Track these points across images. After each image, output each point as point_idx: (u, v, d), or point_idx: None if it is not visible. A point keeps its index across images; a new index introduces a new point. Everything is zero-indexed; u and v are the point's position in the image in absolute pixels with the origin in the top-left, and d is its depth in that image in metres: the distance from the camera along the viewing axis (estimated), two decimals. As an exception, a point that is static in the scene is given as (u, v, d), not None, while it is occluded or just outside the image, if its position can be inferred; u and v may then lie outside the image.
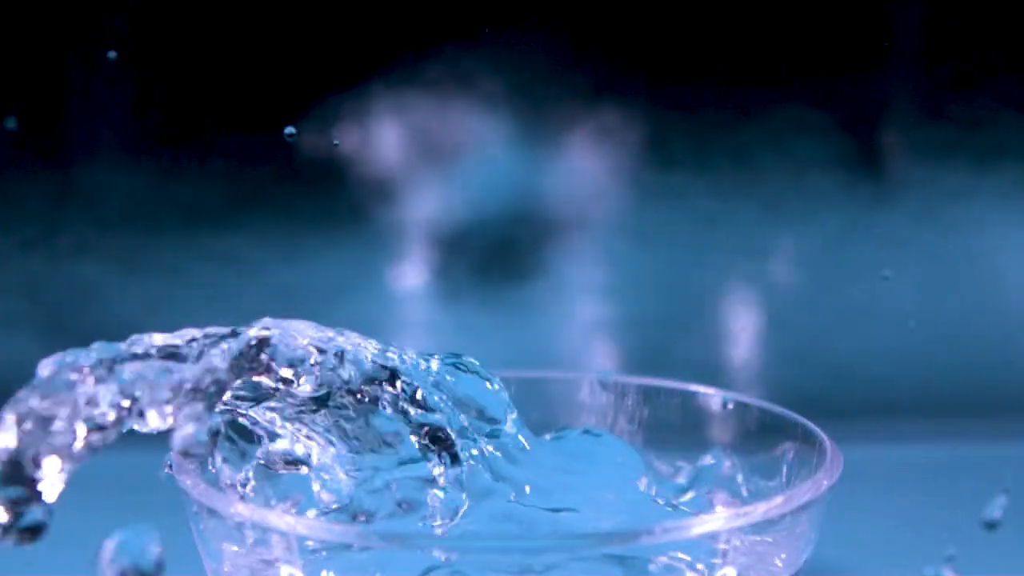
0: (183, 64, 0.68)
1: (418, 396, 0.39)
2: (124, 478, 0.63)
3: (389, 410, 0.39)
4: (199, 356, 0.35)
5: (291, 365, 0.37)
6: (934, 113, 0.68)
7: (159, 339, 0.36)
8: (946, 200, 0.68)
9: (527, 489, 0.40)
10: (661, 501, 0.42)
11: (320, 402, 0.38)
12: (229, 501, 0.38)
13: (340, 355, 0.38)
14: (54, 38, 0.67)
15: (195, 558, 0.40)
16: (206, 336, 0.37)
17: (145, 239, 0.68)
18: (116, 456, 0.66)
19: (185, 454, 0.34)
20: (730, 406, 0.46)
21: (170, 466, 0.40)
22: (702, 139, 0.68)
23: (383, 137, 0.68)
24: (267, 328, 0.37)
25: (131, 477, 0.61)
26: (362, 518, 0.40)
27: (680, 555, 0.39)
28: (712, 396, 0.46)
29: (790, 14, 0.67)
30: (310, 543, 0.37)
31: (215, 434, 0.36)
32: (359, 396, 0.38)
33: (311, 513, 0.40)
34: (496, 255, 0.69)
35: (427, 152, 0.68)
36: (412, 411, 0.39)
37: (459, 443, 0.39)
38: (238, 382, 0.37)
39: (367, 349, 0.38)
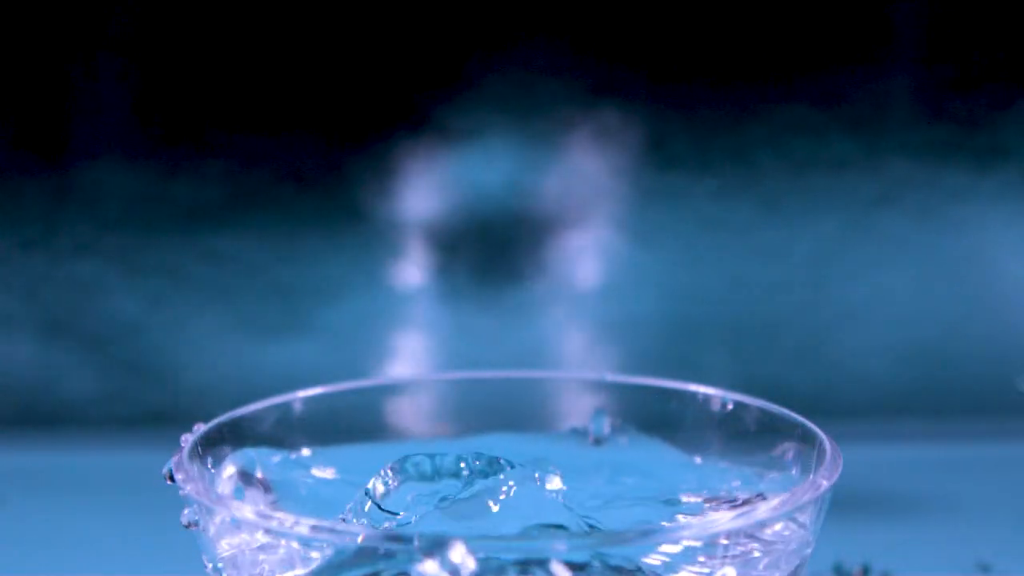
0: (183, 64, 0.68)
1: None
2: (124, 478, 0.63)
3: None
4: None
5: None
6: (934, 113, 0.68)
7: None
8: (946, 200, 0.68)
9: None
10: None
11: None
12: (229, 503, 0.38)
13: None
14: (55, 38, 0.67)
15: (195, 559, 0.40)
16: None
17: (145, 239, 0.68)
18: (116, 456, 0.67)
19: None
20: (730, 406, 0.46)
21: (171, 476, 0.40)
22: (702, 139, 0.68)
23: (383, 138, 0.69)
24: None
25: (131, 477, 0.62)
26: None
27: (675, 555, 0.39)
28: (712, 396, 0.46)
29: (790, 13, 0.67)
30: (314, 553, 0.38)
31: None
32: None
33: None
34: (496, 255, 0.69)
35: (426, 152, 0.68)
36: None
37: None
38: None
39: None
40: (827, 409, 0.65)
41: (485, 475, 0.41)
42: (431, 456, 0.41)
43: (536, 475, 0.41)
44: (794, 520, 0.39)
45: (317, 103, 0.68)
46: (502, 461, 0.41)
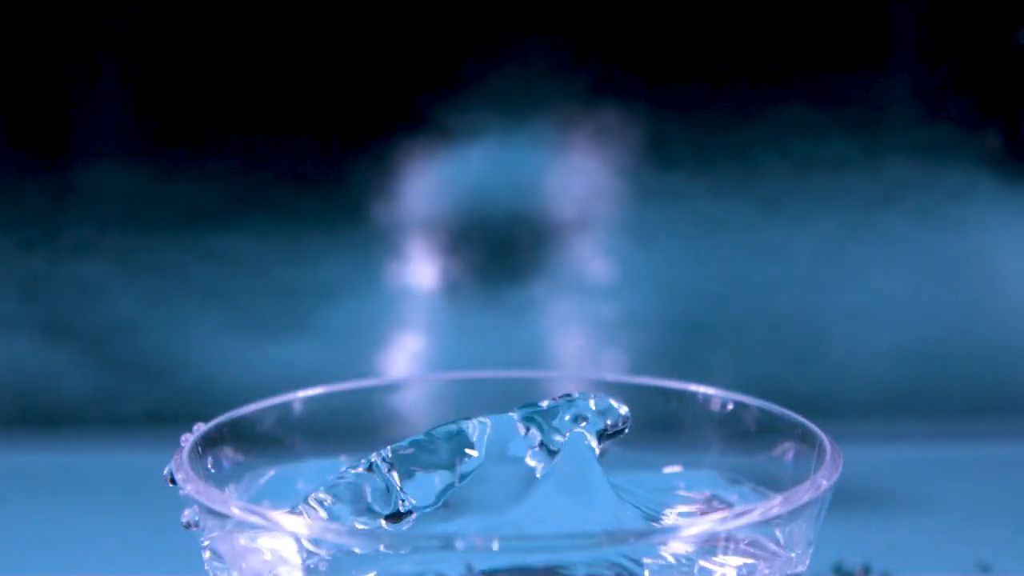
0: (183, 65, 0.68)
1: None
2: (124, 478, 0.63)
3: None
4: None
5: None
6: (934, 113, 0.68)
7: None
8: (946, 200, 0.68)
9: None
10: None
11: None
12: (229, 504, 0.38)
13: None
14: (54, 39, 0.67)
15: (195, 559, 0.40)
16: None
17: (145, 239, 0.68)
18: (116, 456, 0.67)
19: None
20: (730, 406, 0.46)
21: (172, 479, 0.40)
22: (702, 139, 0.68)
23: (382, 138, 0.69)
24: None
25: (131, 477, 0.62)
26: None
27: (674, 556, 0.39)
28: (712, 396, 0.46)
29: (790, 14, 0.67)
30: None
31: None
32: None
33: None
34: (495, 255, 0.69)
35: (426, 152, 0.68)
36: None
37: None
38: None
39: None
40: (827, 409, 0.65)
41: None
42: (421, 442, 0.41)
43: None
44: (794, 521, 0.39)
45: (316, 103, 0.68)
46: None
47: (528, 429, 0.41)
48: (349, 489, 0.40)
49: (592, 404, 0.42)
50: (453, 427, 0.41)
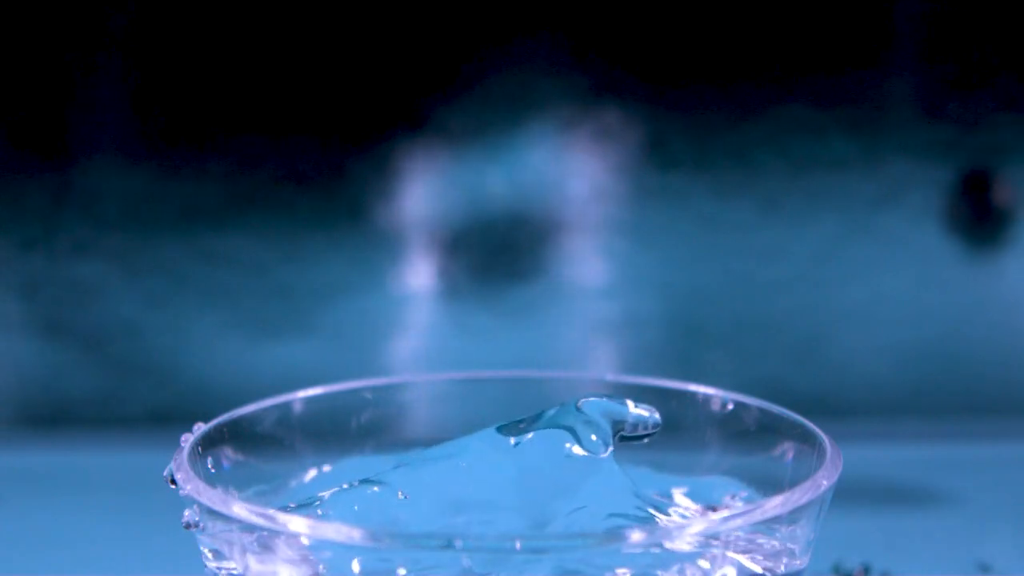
0: (183, 64, 0.68)
1: None
2: (124, 478, 0.63)
3: None
4: None
5: None
6: (934, 113, 0.68)
7: None
8: (945, 200, 0.68)
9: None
10: None
11: None
12: (229, 504, 0.38)
13: None
14: (54, 38, 0.67)
15: (195, 559, 0.40)
16: None
17: (145, 239, 0.68)
18: (116, 456, 0.67)
19: None
20: (730, 406, 0.46)
21: (172, 480, 0.40)
22: (702, 139, 0.68)
23: (383, 138, 0.69)
24: None
25: (131, 477, 0.62)
26: None
27: (674, 555, 0.39)
28: (712, 396, 0.46)
29: (790, 14, 0.67)
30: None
31: None
32: None
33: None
34: (496, 255, 0.69)
35: (426, 152, 0.68)
36: None
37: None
38: None
39: None
40: (827, 409, 0.65)
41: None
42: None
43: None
44: (794, 520, 0.39)
45: (317, 103, 0.68)
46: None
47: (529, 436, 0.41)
48: (352, 492, 0.40)
49: (603, 407, 0.42)
50: (463, 442, 0.41)
